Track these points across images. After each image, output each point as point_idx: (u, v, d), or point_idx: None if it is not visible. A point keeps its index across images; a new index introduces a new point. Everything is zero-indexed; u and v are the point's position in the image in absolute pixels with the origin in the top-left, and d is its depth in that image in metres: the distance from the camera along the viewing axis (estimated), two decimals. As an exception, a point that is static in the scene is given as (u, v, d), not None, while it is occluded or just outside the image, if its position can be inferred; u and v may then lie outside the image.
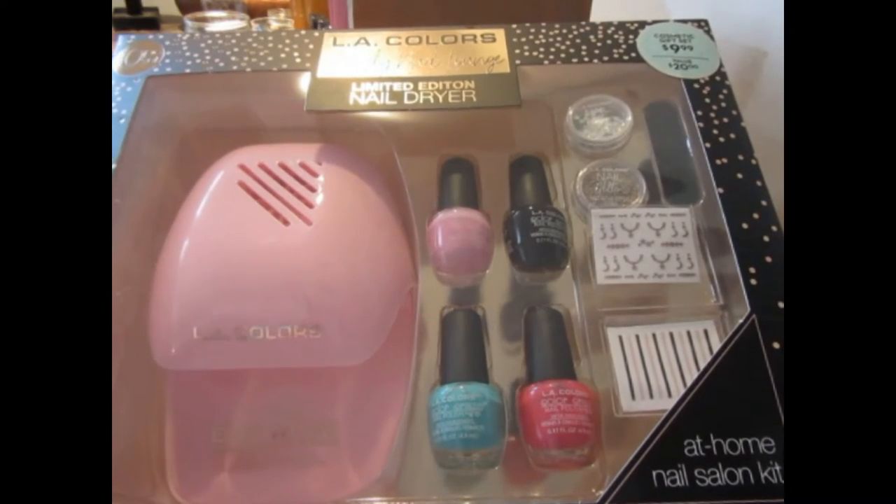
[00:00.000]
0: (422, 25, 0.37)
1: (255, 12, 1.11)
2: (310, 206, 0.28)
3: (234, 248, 0.26)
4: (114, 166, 0.29)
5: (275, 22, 1.07)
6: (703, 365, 0.24)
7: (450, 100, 0.32)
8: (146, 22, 1.20)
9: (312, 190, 0.29)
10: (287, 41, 0.36)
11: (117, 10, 1.17)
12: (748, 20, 0.40)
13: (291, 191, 0.29)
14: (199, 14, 1.08)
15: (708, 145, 0.30)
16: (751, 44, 0.39)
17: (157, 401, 0.29)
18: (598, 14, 0.45)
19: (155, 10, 1.20)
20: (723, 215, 0.28)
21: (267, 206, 0.28)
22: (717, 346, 0.25)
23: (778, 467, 0.22)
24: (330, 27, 0.60)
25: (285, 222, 0.27)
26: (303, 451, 0.27)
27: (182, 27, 1.06)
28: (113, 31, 1.13)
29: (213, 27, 1.02)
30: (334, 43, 0.35)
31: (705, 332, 0.26)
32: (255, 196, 0.28)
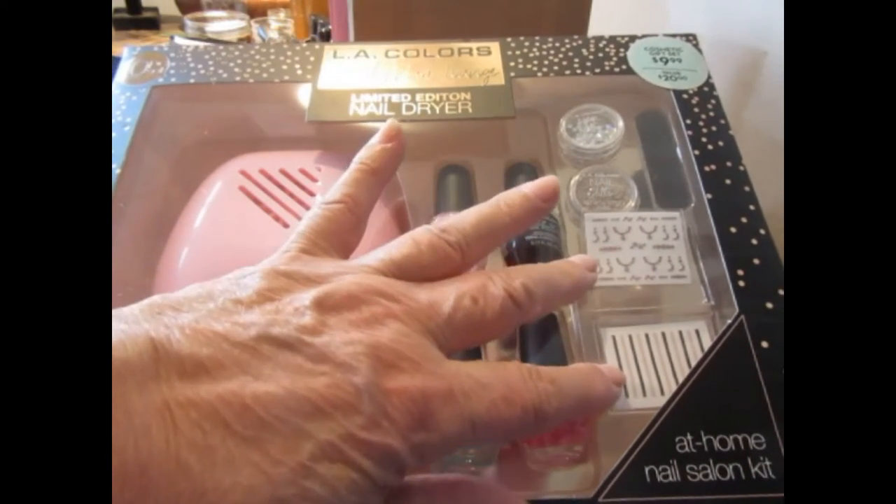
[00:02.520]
0: (421, 31, 0.38)
1: (255, 12, 1.12)
2: (308, 209, 0.29)
3: (233, 250, 0.27)
4: (118, 172, 0.30)
5: (275, 22, 1.08)
6: (694, 364, 0.25)
7: (446, 111, 0.33)
8: (146, 22, 1.20)
9: (311, 194, 0.29)
10: (289, 53, 0.37)
11: (117, 10, 1.17)
12: (748, 20, 0.41)
13: (291, 195, 0.29)
14: (199, 14, 1.09)
15: (697, 153, 0.31)
16: (751, 44, 0.40)
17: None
18: (599, 10, 0.46)
19: (155, 10, 1.21)
20: (711, 220, 0.28)
21: (267, 210, 0.28)
22: (708, 346, 0.25)
23: (768, 463, 0.22)
24: (329, 27, 0.61)
25: (285, 225, 0.28)
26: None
27: (182, 27, 1.07)
28: (113, 31, 1.14)
29: (212, 27, 1.03)
30: (334, 55, 0.37)
31: (697, 332, 0.26)
32: (256, 200, 0.29)
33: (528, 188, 0.24)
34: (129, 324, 0.16)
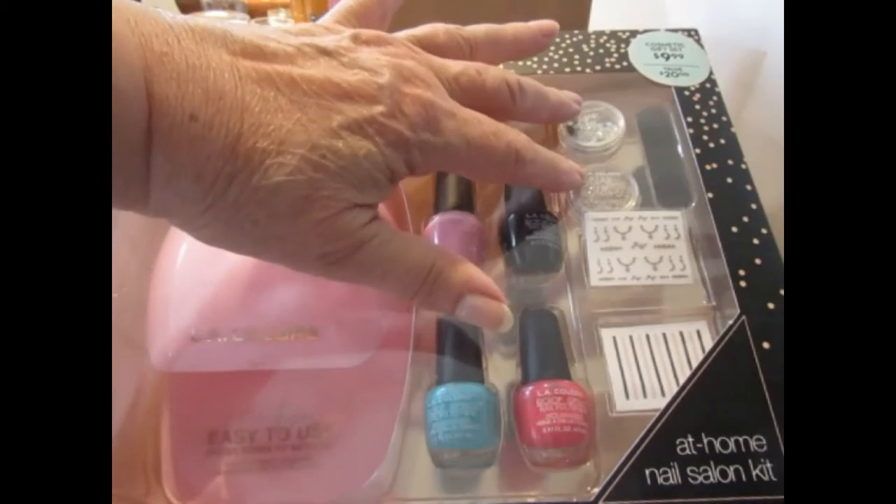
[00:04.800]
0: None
1: (255, 12, 1.12)
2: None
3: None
4: (114, 171, 0.30)
5: (275, 22, 1.08)
6: (695, 365, 0.24)
7: (445, 107, 0.33)
8: (146, 22, 1.19)
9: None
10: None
11: (117, 10, 1.16)
12: (748, 20, 0.41)
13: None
14: (199, 14, 1.09)
15: (698, 151, 0.30)
16: (750, 44, 0.40)
17: (152, 402, 0.29)
18: (597, 16, 0.46)
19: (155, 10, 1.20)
20: (713, 219, 0.28)
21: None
22: (709, 347, 0.25)
23: (769, 465, 0.22)
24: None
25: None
26: (299, 454, 0.28)
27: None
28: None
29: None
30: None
31: (698, 332, 0.26)
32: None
33: (532, 23, 0.29)
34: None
